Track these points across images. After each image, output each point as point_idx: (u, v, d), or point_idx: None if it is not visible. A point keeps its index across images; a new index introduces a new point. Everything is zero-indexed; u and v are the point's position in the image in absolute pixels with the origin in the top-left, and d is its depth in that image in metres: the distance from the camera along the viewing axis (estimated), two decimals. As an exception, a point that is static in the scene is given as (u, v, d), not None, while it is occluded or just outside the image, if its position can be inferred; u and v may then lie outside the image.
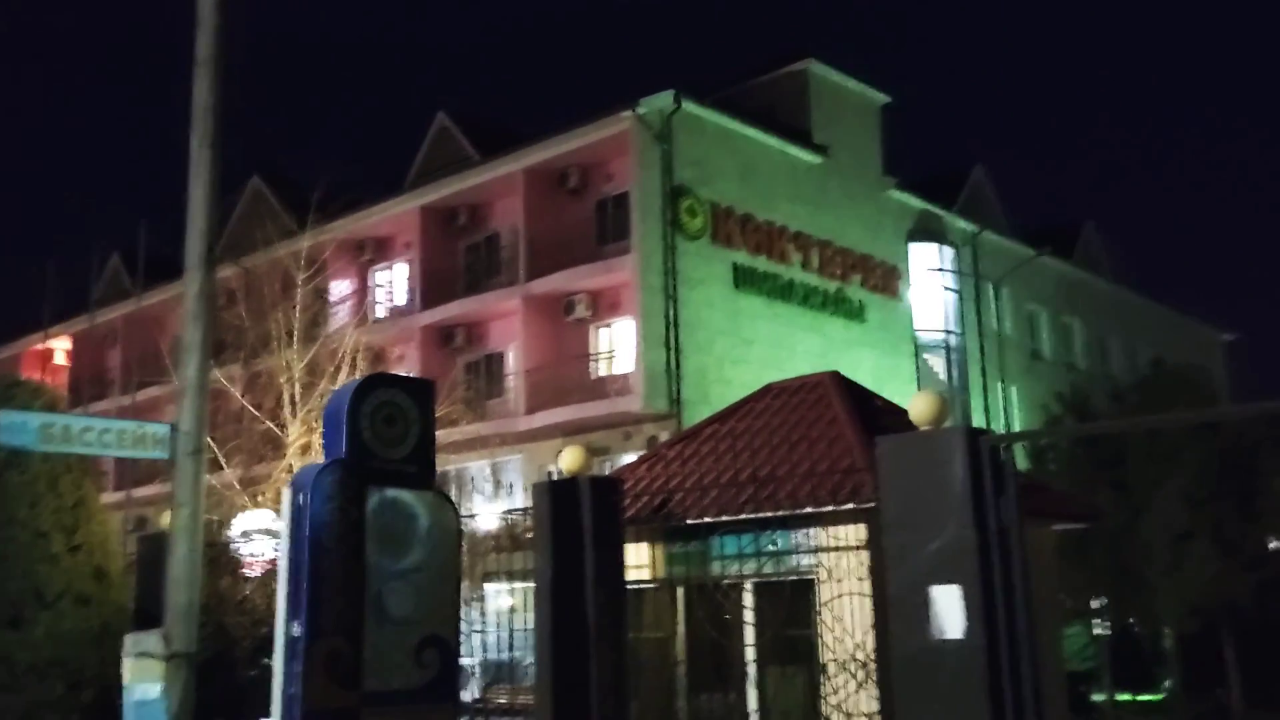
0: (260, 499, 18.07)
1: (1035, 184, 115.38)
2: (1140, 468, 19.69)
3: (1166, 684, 23.84)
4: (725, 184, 27.37)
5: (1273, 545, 19.59)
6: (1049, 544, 10.96)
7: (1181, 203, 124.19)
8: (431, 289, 29.69)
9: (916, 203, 32.75)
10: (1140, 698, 24.78)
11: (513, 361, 28.32)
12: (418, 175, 31.86)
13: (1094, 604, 22.03)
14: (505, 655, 15.83)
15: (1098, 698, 21.62)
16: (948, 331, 32.79)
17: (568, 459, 9.32)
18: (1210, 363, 40.31)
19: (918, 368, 31.86)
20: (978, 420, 32.14)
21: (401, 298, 31.15)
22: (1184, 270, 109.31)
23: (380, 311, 29.79)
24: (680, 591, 10.03)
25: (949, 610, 6.93)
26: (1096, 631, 24.12)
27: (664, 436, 23.66)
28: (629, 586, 9.56)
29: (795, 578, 9.11)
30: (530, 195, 27.90)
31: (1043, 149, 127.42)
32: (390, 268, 32.07)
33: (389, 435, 8.39)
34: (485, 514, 20.12)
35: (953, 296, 33.22)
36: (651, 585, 10.10)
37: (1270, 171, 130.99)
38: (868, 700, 8.20)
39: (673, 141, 26.15)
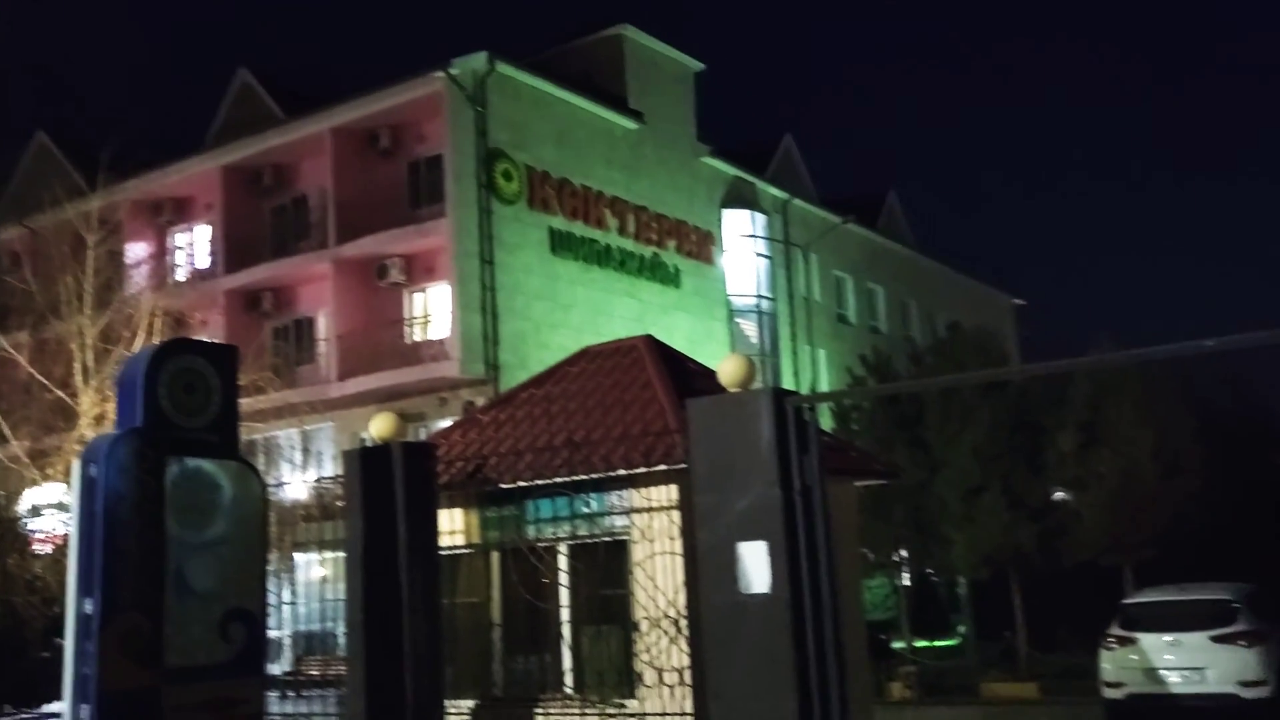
0: (50, 472, 17.12)
1: (842, 154, 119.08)
2: (937, 426, 20.71)
3: (961, 629, 25.30)
4: (541, 148, 27.25)
5: (1056, 497, 20.89)
6: (851, 500, 11.42)
7: (975, 174, 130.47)
8: (236, 252, 28.60)
9: (729, 170, 33.36)
10: (937, 643, 26.24)
11: (323, 327, 27.62)
12: (219, 134, 30.56)
13: (896, 556, 23.12)
14: (317, 626, 15.55)
15: (898, 645, 22.75)
16: (759, 296, 33.61)
17: (379, 425, 9.18)
18: (1001, 326, 42.59)
19: (731, 331, 32.58)
20: (787, 382, 33.12)
21: (204, 261, 29.90)
22: (977, 239, 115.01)
23: (181, 275, 28.55)
24: (495, 556, 10.03)
25: (755, 566, 7.16)
26: (897, 582, 25.38)
27: (481, 402, 23.53)
28: (443, 553, 9.51)
29: (609, 539, 9.23)
30: (339, 156, 27.14)
31: (848, 119, 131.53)
32: (191, 230, 30.71)
33: (189, 403, 8.08)
34: (295, 483, 19.63)
35: (764, 262, 34.05)
36: (466, 551, 10.07)
37: (1056, 146, 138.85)
38: (679, 655, 8.41)
39: (487, 104, 25.84)
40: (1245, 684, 13.00)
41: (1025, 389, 21.23)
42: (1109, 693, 13.88)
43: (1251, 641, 13.15)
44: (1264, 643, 13.22)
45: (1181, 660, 13.34)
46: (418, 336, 26.73)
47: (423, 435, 23.59)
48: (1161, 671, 13.44)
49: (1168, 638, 13.55)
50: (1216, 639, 13.25)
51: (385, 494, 9.09)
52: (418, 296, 27.02)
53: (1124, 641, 13.85)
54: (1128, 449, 19.62)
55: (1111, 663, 13.86)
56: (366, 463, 9.12)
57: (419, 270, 26.51)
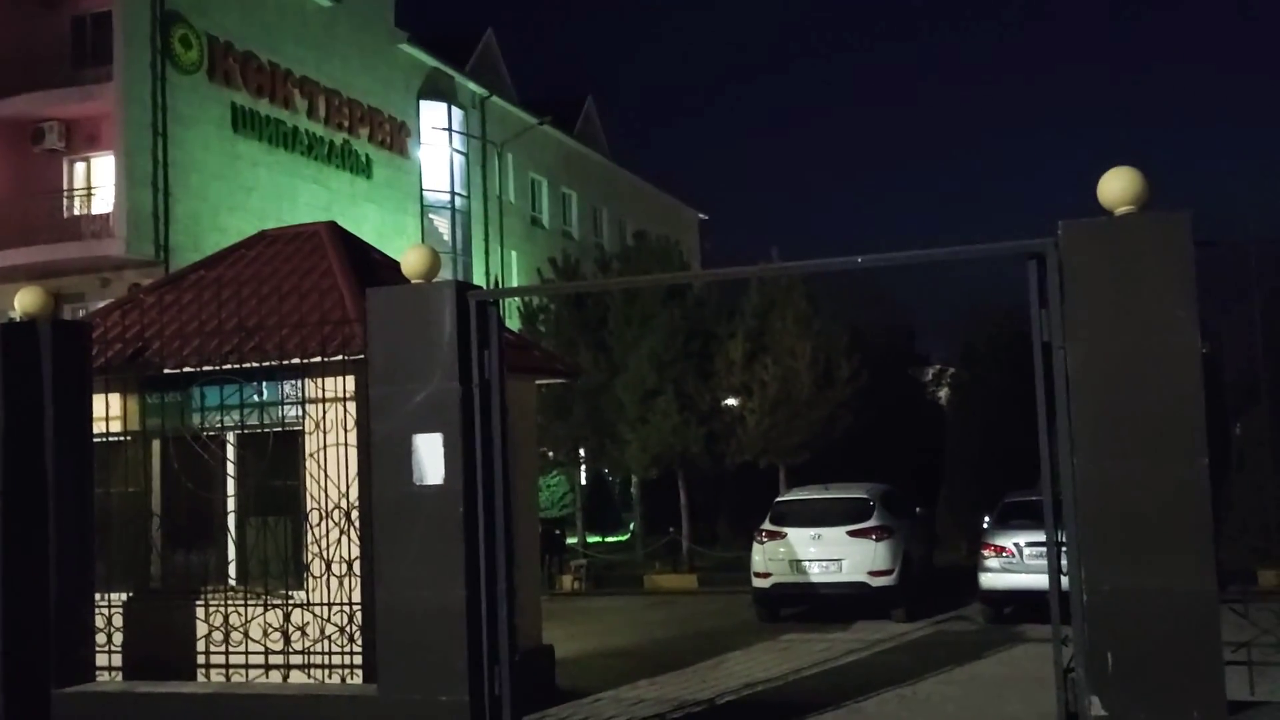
0: None
1: (543, 55, 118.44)
2: (619, 331, 21.40)
3: (631, 526, 26.52)
4: (225, 16, 25.50)
5: (724, 402, 22.12)
6: (532, 398, 11.62)
7: (671, 89, 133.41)
8: None
9: (428, 60, 32.50)
10: (609, 538, 27.42)
11: (-34, 193, 24.91)
12: None
13: (574, 455, 23.83)
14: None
15: (571, 540, 23.58)
16: (454, 193, 33.21)
17: (25, 299, 8.45)
18: (686, 238, 44.22)
19: (423, 227, 32.07)
20: (479, 282, 33.04)
21: None
22: (668, 152, 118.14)
23: None
24: (157, 444, 9.53)
25: (430, 458, 7.22)
26: (575, 480, 26.22)
27: (148, 285, 22.10)
28: (98, 440, 8.95)
29: (281, 429, 8.97)
30: (-10, 1, 24.32)
31: (551, 19, 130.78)
32: None
33: None
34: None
35: (460, 159, 33.60)
36: (125, 438, 9.50)
37: (750, 70, 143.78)
38: (350, 546, 8.37)
39: (164, -40, 23.86)
40: (874, 573, 14.45)
41: (702, 299, 22.24)
42: (758, 582, 15.04)
43: (881, 536, 14.60)
44: (892, 537, 14.72)
45: (821, 553, 14.64)
46: (78, 210, 24.64)
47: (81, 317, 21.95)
48: (804, 563, 14.69)
49: (811, 532, 14.81)
50: (852, 533, 14.62)
51: (31, 376, 8.42)
52: (79, 166, 24.85)
53: (773, 536, 15.01)
54: (788, 359, 21.01)
55: (761, 555, 15.00)
56: (8, 341, 8.39)
57: (81, 138, 24.36)
